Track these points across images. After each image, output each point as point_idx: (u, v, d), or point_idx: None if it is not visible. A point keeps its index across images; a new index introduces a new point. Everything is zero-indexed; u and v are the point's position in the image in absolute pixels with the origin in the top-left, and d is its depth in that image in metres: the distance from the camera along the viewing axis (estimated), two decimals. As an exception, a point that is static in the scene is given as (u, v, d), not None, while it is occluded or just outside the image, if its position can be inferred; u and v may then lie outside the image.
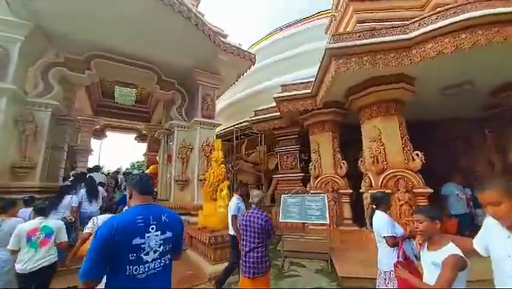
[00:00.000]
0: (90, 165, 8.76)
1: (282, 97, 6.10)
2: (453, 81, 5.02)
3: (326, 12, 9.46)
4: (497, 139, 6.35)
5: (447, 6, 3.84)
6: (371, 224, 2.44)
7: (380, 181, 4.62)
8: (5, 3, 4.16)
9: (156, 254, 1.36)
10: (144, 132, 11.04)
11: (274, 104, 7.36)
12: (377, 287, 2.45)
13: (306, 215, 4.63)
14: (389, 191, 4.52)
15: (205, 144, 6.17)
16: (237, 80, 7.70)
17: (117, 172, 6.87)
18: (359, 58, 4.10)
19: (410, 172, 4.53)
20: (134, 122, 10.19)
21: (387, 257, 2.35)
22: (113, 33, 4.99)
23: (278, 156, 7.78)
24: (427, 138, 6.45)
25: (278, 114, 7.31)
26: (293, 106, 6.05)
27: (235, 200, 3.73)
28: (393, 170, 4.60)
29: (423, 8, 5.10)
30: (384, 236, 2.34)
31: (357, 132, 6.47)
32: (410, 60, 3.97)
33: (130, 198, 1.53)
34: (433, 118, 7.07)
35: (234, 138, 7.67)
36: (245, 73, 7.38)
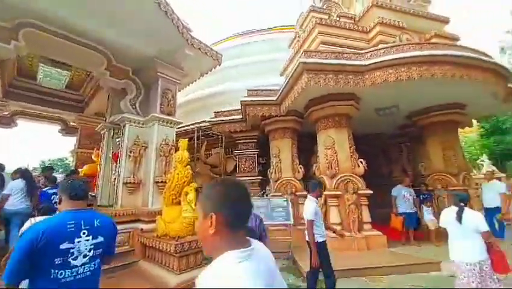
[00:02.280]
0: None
1: (250, 101, 6.22)
2: (385, 104, 6.23)
3: (288, 27, 10.23)
4: (409, 152, 8.20)
5: (390, 44, 4.81)
6: (459, 221, 2.53)
7: (333, 184, 5.29)
8: None
9: (85, 259, 1.40)
10: (73, 124, 9.15)
11: (236, 107, 7.42)
12: (468, 276, 2.44)
13: (273, 216, 4.83)
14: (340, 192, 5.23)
15: (163, 142, 5.62)
16: (199, 78, 7.38)
17: (51, 168, 5.35)
18: (325, 74, 4.64)
19: (356, 176, 5.36)
20: (60, 111, 8.34)
21: (482, 248, 2.47)
22: (59, 0, 4.05)
23: (237, 159, 7.80)
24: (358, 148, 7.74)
25: (240, 117, 7.39)
26: (259, 111, 6.25)
27: (312, 202, 3.15)
28: (343, 174, 5.34)
29: (369, 42, 6.20)
30: (485, 231, 2.44)
31: (309, 140, 7.18)
32: (364, 83, 4.75)
33: (59, 203, 1.53)
34: (366, 132, 8.54)
35: (195, 138, 7.27)
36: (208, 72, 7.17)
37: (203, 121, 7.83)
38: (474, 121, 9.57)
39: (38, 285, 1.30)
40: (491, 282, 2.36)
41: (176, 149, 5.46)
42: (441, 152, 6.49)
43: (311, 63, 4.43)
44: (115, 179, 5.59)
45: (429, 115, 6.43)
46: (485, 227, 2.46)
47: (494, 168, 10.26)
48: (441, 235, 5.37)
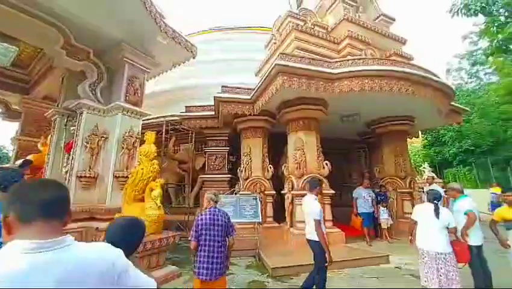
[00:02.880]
0: None
1: (224, 98, 6.13)
2: (348, 112, 6.73)
3: (265, 28, 10.37)
4: (366, 157, 8.99)
5: (357, 57, 5.22)
6: (437, 216, 2.87)
7: (301, 183, 5.52)
8: None
9: None
10: (16, 107, 7.90)
11: (209, 103, 7.25)
12: (438, 264, 2.79)
13: (241, 214, 4.84)
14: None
15: (127, 134, 5.21)
16: (170, 69, 7.03)
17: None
18: (299, 78, 4.82)
19: (322, 177, 5.68)
20: (1, 91, 7.15)
21: (449, 241, 2.86)
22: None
23: (206, 156, 7.63)
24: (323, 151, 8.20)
25: (212, 113, 7.25)
26: (232, 109, 6.20)
27: (315, 201, 3.16)
28: (310, 175, 5.61)
29: (339, 52, 6.63)
30: (453, 227, 2.89)
31: (278, 141, 7.36)
32: (332, 90, 5.06)
33: None
34: (330, 136, 9.09)
35: (164, 132, 6.87)
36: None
37: (173, 115, 7.47)
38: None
39: None
40: (454, 270, 2.76)
41: (142, 142, 5.12)
42: (393, 158, 7.28)
43: (287, 66, 4.56)
44: (67, 171, 5.01)
45: (385, 125, 7.15)
46: (454, 224, 2.91)
47: (433, 174, 11.85)
48: (393, 233, 6.04)
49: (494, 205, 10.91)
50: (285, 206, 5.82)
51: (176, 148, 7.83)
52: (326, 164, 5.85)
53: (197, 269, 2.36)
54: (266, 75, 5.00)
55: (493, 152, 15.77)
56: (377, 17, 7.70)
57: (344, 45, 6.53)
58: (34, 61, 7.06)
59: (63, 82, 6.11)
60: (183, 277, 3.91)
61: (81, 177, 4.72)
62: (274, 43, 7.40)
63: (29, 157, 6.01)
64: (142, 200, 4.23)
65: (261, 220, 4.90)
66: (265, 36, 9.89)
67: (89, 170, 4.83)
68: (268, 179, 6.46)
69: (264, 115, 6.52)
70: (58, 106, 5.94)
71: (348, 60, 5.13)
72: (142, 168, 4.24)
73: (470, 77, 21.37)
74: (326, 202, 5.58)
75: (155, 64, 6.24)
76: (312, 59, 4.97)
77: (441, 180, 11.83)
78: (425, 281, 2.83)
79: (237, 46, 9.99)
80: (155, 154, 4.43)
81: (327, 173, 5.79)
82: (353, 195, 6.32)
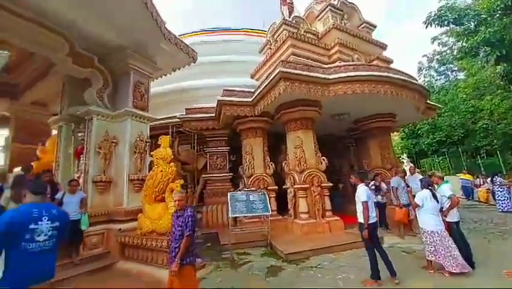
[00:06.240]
0: None
1: (227, 101, 6.47)
2: (340, 111, 7.35)
3: (257, 30, 10.73)
4: (355, 151, 9.79)
5: (348, 63, 5.82)
6: (436, 200, 3.63)
7: (302, 178, 6.07)
8: None
9: (46, 237, 1.94)
10: (4, 113, 7.61)
11: (209, 105, 7.55)
12: (442, 238, 3.53)
13: (252, 208, 5.28)
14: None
15: (139, 139, 5.41)
16: (170, 74, 7.23)
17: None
18: (299, 83, 5.32)
19: (320, 172, 6.26)
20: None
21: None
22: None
23: (208, 156, 7.92)
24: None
25: (213, 114, 7.55)
26: (234, 111, 6.56)
27: (365, 187, 3.56)
28: (310, 170, 6.17)
29: (330, 57, 7.23)
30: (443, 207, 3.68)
31: (275, 139, 7.86)
32: (328, 93, 5.62)
33: (24, 196, 2.04)
34: (321, 134, 9.76)
35: (170, 134, 7.04)
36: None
37: (174, 117, 7.66)
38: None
39: (12, 254, 1.79)
40: (449, 241, 3.52)
41: (154, 146, 5.33)
42: (379, 151, 8.06)
43: (290, 73, 5.03)
44: (78, 177, 5.11)
45: (371, 122, 7.90)
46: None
47: (412, 164, 13.08)
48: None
49: (467, 190, 12.19)
50: (288, 199, 6.34)
51: (177, 149, 8.03)
52: (324, 159, 6.44)
53: (193, 255, 2.76)
54: (269, 80, 5.42)
55: (463, 142, 17.51)
56: (361, 24, 8.42)
57: (335, 51, 7.15)
58: (21, 65, 6.88)
59: (64, 89, 6.12)
60: (208, 267, 4.25)
61: (96, 182, 4.87)
62: (270, 48, 7.84)
63: (34, 164, 5.94)
64: (162, 200, 4.51)
65: (270, 213, 5.37)
66: (257, 39, 10.29)
67: (104, 175, 4.99)
68: (270, 176, 6.93)
69: (263, 116, 6.95)
70: (60, 113, 5.95)
71: (341, 66, 5.73)
72: (161, 171, 4.50)
73: (439, 75, 23.38)
74: (325, 194, 6.17)
75: (157, 69, 6.43)
76: (310, 65, 5.49)
77: (418, 170, 13.08)
78: (432, 257, 3.53)
79: (229, 48, 10.24)
80: (171, 157, 4.70)
81: (324, 168, 6.37)
82: (392, 185, 5.80)
